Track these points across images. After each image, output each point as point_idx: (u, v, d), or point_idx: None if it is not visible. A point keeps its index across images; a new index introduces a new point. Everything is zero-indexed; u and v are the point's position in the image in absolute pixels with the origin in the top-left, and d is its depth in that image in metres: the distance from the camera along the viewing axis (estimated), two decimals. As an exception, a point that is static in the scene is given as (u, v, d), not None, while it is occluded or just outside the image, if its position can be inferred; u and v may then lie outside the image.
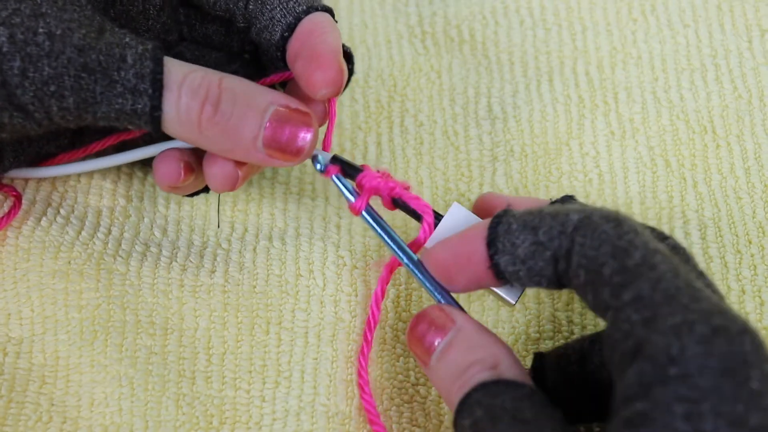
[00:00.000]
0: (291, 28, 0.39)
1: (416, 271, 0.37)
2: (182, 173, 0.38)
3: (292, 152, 0.36)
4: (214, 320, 0.42)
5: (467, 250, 0.35)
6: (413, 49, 0.49)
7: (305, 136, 0.36)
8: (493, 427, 0.31)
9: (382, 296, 0.40)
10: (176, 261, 0.43)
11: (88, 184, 0.45)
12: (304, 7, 0.39)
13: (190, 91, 0.34)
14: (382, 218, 0.38)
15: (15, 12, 0.33)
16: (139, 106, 0.34)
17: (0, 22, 0.33)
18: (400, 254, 0.38)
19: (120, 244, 0.43)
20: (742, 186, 0.45)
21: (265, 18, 0.39)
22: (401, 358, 0.41)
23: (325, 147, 0.40)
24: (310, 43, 0.38)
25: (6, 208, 0.43)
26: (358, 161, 0.46)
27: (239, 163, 0.38)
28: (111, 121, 0.35)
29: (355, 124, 0.48)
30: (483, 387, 0.33)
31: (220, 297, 0.42)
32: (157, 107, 0.34)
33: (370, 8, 0.50)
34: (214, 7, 0.41)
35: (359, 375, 0.40)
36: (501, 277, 0.35)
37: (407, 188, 0.38)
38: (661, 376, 0.28)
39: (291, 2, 0.39)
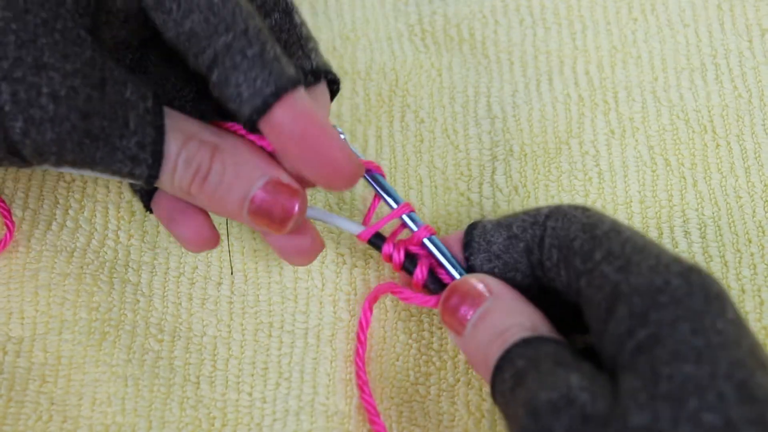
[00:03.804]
0: (259, 112, 0.33)
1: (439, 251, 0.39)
2: (216, 233, 0.39)
3: (276, 223, 0.36)
4: (220, 329, 0.42)
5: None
6: (414, 47, 0.49)
7: (291, 208, 0.35)
8: (536, 369, 0.31)
9: (367, 326, 0.40)
10: (184, 276, 0.43)
11: (94, 184, 0.45)
12: (272, 89, 0.33)
13: (185, 163, 0.35)
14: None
15: (16, 63, 0.31)
16: (137, 172, 0.34)
17: (2, 77, 0.31)
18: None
19: (129, 253, 0.43)
20: (741, 185, 0.45)
21: (230, 91, 0.33)
22: (400, 358, 0.41)
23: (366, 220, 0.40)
24: (311, 148, 0.34)
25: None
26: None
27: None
28: (107, 176, 0.35)
29: (355, 117, 0.47)
30: (524, 342, 0.33)
31: (226, 307, 0.43)
32: (154, 176, 0.35)
33: (371, 5, 0.50)
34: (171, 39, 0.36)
35: (358, 376, 0.40)
36: None
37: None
38: (653, 304, 0.29)
39: (259, 80, 0.33)
